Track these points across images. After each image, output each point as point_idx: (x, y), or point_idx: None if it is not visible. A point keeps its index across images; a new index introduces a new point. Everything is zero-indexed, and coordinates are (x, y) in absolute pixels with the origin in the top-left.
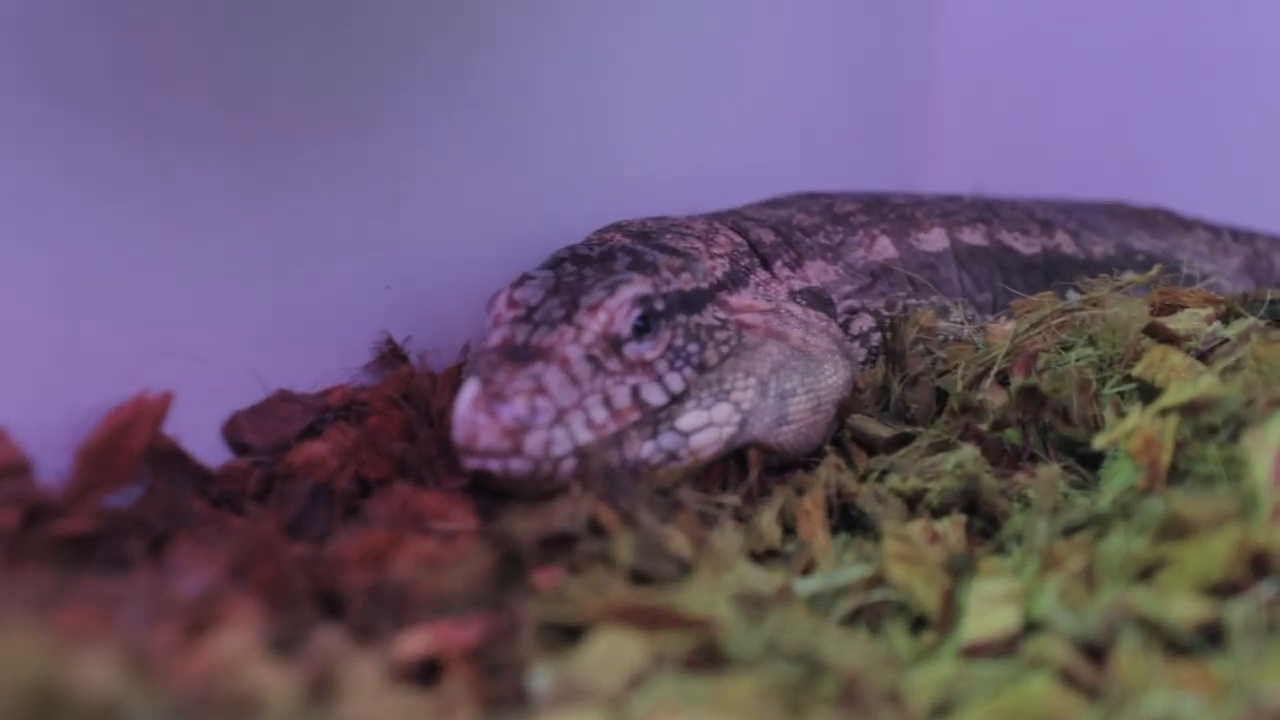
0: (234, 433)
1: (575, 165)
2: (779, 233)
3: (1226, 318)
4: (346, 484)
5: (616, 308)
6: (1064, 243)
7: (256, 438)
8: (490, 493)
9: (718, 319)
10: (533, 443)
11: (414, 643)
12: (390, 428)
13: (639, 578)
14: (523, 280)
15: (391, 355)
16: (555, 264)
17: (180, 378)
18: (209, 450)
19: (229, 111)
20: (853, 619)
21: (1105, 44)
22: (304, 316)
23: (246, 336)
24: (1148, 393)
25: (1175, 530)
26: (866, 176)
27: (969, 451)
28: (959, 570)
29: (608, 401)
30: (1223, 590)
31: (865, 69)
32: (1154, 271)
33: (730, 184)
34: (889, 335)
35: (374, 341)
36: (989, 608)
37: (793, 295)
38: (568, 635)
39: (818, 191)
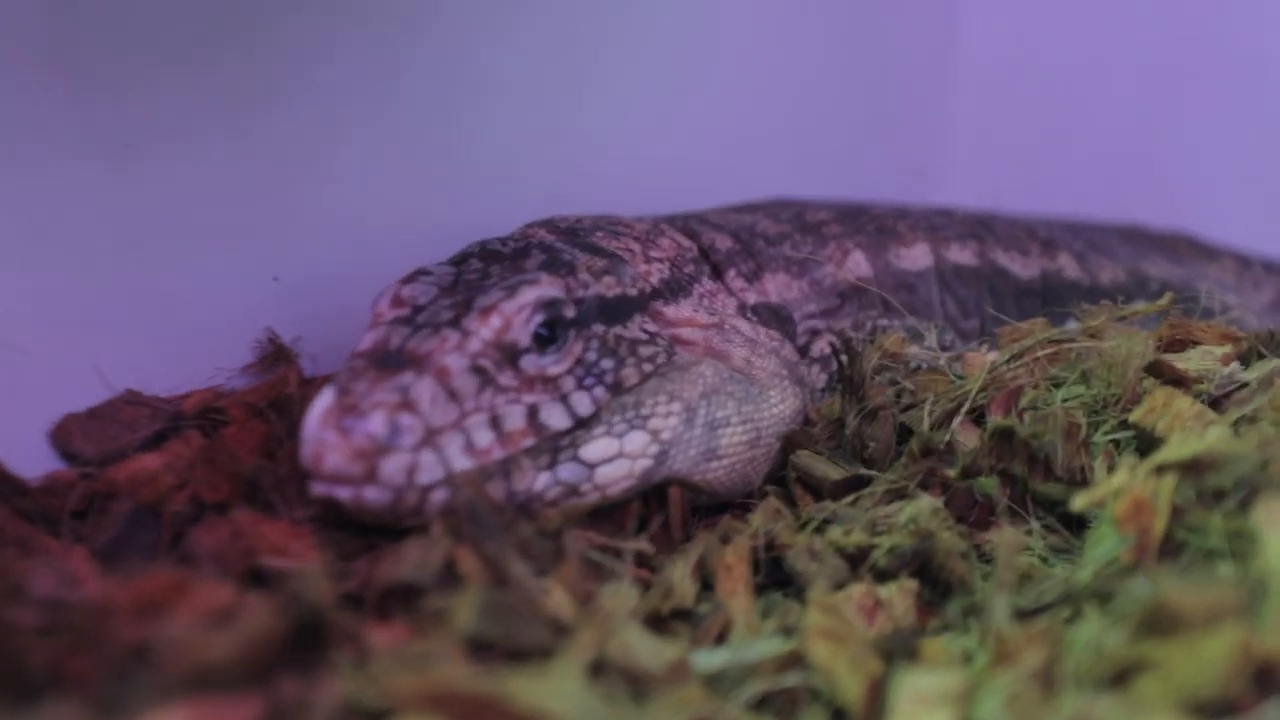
0: (63, 439)
1: (522, 153)
2: (738, 240)
3: (1247, 358)
4: (183, 506)
5: (514, 312)
6: (1067, 266)
7: (89, 445)
8: (357, 526)
9: (645, 332)
10: (391, 468)
11: None
12: (248, 441)
13: (484, 647)
14: (415, 275)
15: (276, 356)
16: (461, 259)
17: None
18: (35, 458)
19: (69, 60)
20: (759, 706)
21: (1131, 53)
22: (168, 307)
23: (87, 327)
24: (1147, 443)
25: (1162, 623)
26: (873, 188)
27: (927, 503)
28: (894, 653)
29: (496, 422)
30: (1215, 709)
31: (877, 70)
32: (1164, 300)
33: (712, 185)
34: (845, 360)
35: (255, 340)
36: (920, 709)
37: (744, 310)
38: None
39: (791, 198)
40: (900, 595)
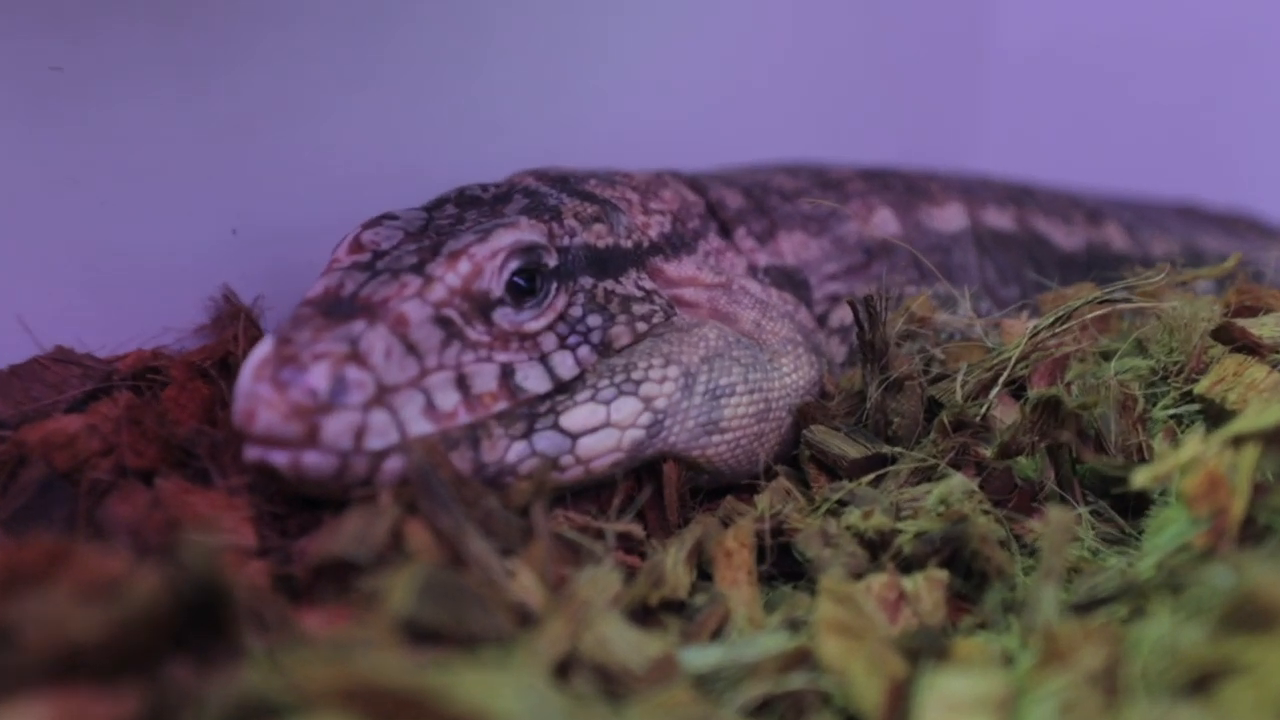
0: None
1: (518, 106)
2: (750, 196)
3: None
4: (106, 474)
5: (486, 257)
6: (1115, 237)
7: (7, 406)
8: (302, 499)
9: (641, 289)
10: (334, 429)
11: (18, 717)
12: (189, 404)
13: (430, 637)
14: (380, 219)
15: (232, 315)
16: (435, 204)
17: None
18: None
19: None
20: (759, 712)
21: (1184, 24)
22: (108, 257)
23: (10, 273)
24: (1215, 416)
25: (1250, 618)
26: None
27: (959, 482)
28: (920, 652)
29: (462, 382)
30: None
31: (909, 35)
32: (1230, 262)
33: (727, 153)
34: (866, 324)
35: (210, 298)
36: (953, 716)
37: (754, 271)
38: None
39: (810, 160)
40: (928, 587)
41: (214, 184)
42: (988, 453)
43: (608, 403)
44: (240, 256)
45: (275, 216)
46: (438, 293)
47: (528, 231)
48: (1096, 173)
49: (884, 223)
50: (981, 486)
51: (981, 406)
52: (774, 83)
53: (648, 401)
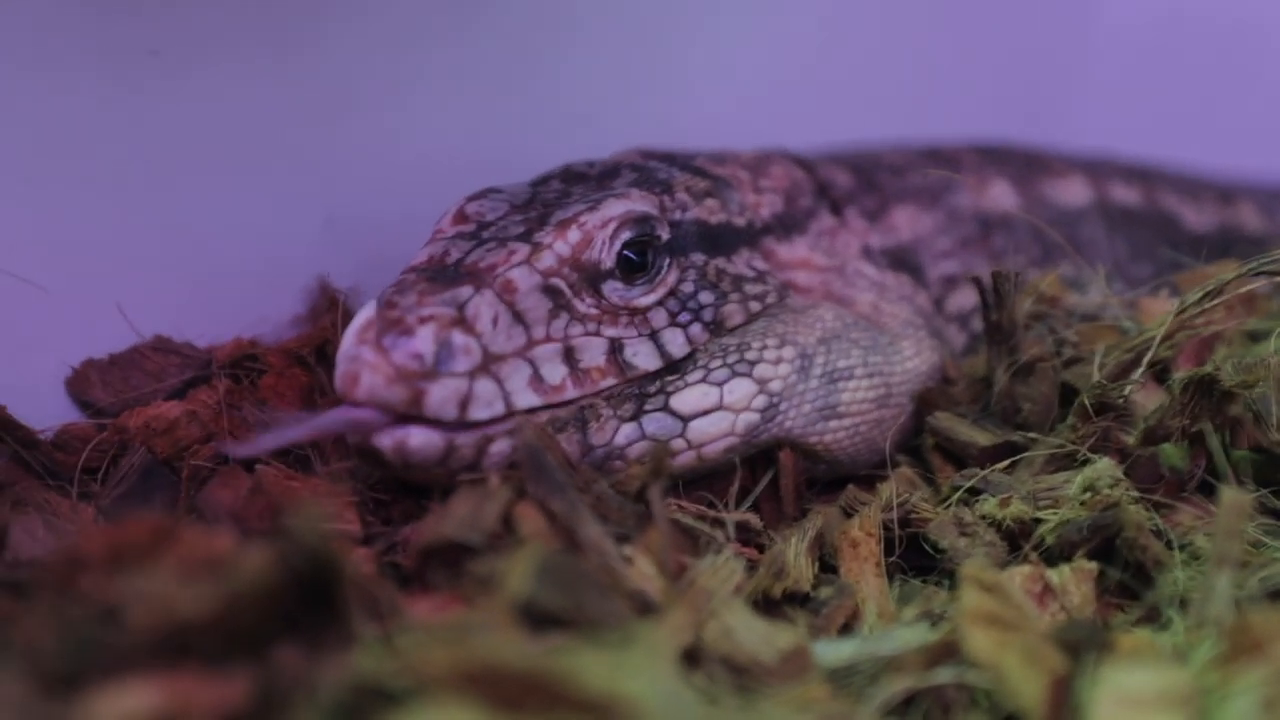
0: (80, 386)
1: (611, 94)
2: (859, 173)
3: None
4: (207, 461)
5: (596, 226)
6: (1250, 218)
7: (108, 395)
8: (406, 485)
9: (753, 269)
10: (439, 395)
11: (122, 702)
12: (287, 391)
13: (545, 622)
14: (484, 192)
15: (328, 305)
16: (540, 180)
17: (6, 307)
18: (50, 406)
19: None
20: (903, 711)
21: None
22: (204, 246)
23: (112, 263)
24: None
25: None
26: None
27: (1106, 466)
28: (1081, 646)
29: (569, 355)
30: None
31: (1007, 10)
32: None
33: (822, 132)
34: (992, 305)
35: (305, 287)
36: (1133, 714)
37: (868, 252)
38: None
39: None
40: (1076, 579)
41: (308, 172)
42: (1130, 439)
43: (720, 384)
44: (333, 246)
45: (368, 205)
46: (546, 260)
47: (639, 202)
48: (1211, 154)
49: (1001, 195)
50: (1126, 474)
51: (1121, 391)
52: (868, 62)
53: (762, 383)
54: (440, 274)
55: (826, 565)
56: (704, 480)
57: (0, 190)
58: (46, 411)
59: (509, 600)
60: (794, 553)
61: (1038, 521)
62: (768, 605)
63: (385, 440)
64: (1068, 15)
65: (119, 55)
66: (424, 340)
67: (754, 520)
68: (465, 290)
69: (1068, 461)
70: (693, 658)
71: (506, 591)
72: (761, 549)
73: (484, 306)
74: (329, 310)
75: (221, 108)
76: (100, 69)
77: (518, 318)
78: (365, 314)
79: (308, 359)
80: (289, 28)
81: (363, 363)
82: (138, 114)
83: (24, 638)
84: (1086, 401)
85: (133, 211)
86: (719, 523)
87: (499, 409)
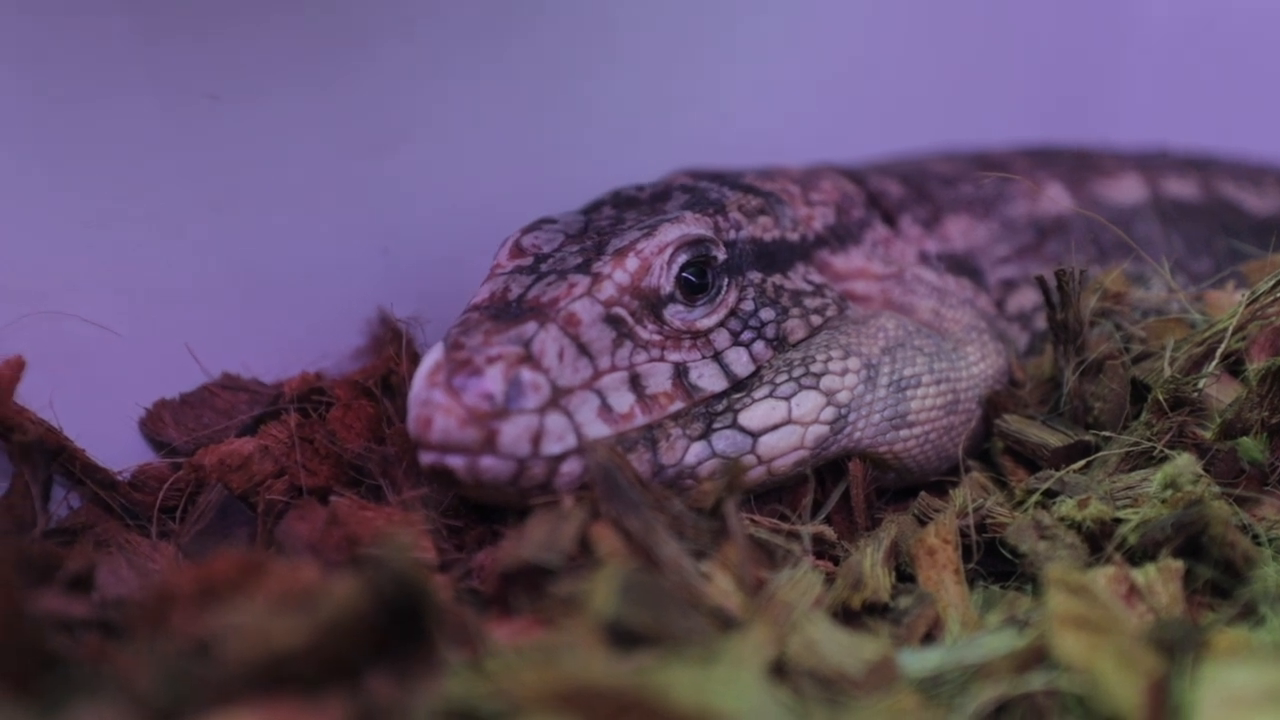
0: (154, 426)
1: (660, 115)
2: (909, 184)
3: None
4: (282, 495)
5: (653, 253)
6: None
7: (181, 434)
8: (478, 509)
9: (810, 283)
10: (511, 434)
11: None
12: (355, 424)
13: (627, 640)
14: (538, 223)
15: (391, 336)
16: (592, 207)
17: (82, 352)
18: (125, 447)
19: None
20: (995, 718)
21: None
22: (265, 283)
23: (179, 304)
24: None
25: None
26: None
27: (1187, 462)
28: (1177, 646)
29: (636, 383)
30: None
31: (1045, 8)
32: None
33: (866, 143)
34: (1057, 304)
35: (365, 319)
36: (1242, 714)
37: (925, 258)
38: None
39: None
40: (1163, 579)
41: (362, 204)
42: (1207, 434)
43: (788, 398)
44: (390, 277)
45: (423, 235)
46: (607, 291)
47: (694, 225)
48: (1258, 143)
49: (1055, 199)
50: (1204, 470)
51: (1195, 385)
52: (907, 68)
53: (830, 395)
54: (504, 311)
55: (903, 574)
56: (774, 493)
57: (70, 237)
58: (122, 453)
59: (594, 620)
60: (870, 563)
61: (1118, 521)
62: (847, 617)
63: (458, 462)
64: (1107, 12)
65: (180, 101)
66: (493, 380)
67: (828, 532)
68: (530, 327)
69: (1143, 460)
70: (778, 672)
71: (591, 612)
72: (836, 561)
73: (549, 342)
74: (391, 341)
75: (278, 145)
76: (163, 115)
77: (583, 350)
78: (433, 356)
79: (374, 390)
80: (341, 64)
81: (435, 406)
82: (198, 157)
83: (121, 675)
84: (1160, 397)
85: (196, 252)
86: (794, 535)
87: (570, 442)
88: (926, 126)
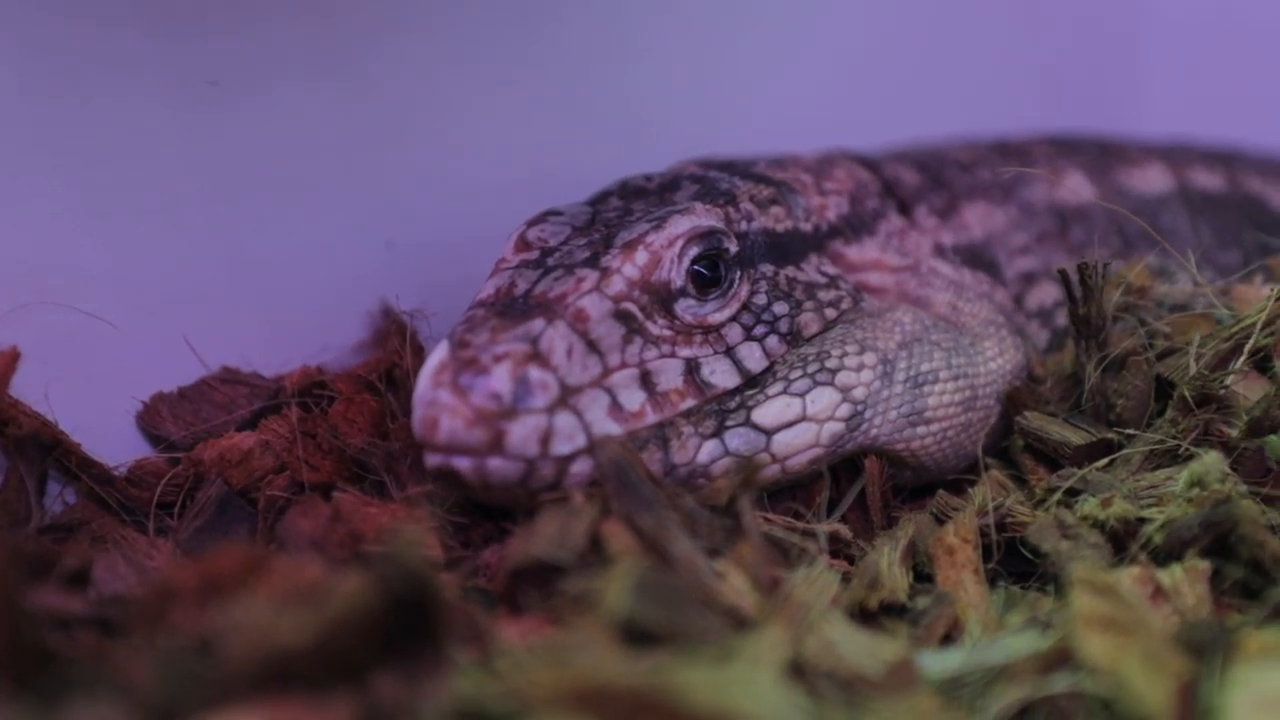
0: (151, 420)
1: (671, 109)
2: (925, 171)
3: None
4: (282, 491)
5: (663, 246)
6: None
7: (179, 428)
8: (484, 508)
9: (824, 274)
10: (519, 434)
11: None
12: (358, 418)
13: (640, 639)
14: (544, 216)
15: (391, 330)
16: (598, 198)
17: (78, 344)
18: (122, 440)
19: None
20: None
21: None
22: (267, 275)
23: (177, 296)
24: None
25: None
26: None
27: (1214, 460)
28: (1206, 648)
29: (647, 380)
30: None
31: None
32: None
33: (878, 135)
34: (1078, 298)
35: (368, 312)
36: (1272, 716)
37: (941, 251)
38: None
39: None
40: (1189, 579)
41: (366, 196)
42: (1233, 432)
43: (802, 394)
44: (394, 269)
45: (427, 227)
46: (616, 285)
47: (704, 217)
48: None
49: (1076, 187)
50: (1231, 468)
51: (1221, 382)
52: (924, 60)
53: (845, 391)
54: (510, 308)
55: (920, 574)
56: (788, 490)
57: (67, 227)
58: (119, 447)
59: (607, 619)
60: (887, 562)
61: (1143, 521)
62: (864, 617)
63: (465, 464)
64: (1126, 3)
65: (179, 88)
66: (500, 379)
67: (844, 531)
68: (537, 323)
69: (1167, 458)
70: (795, 672)
71: (604, 610)
72: (852, 560)
73: (557, 339)
74: (395, 334)
75: (279, 135)
76: (161, 102)
77: (591, 347)
78: (439, 355)
79: (377, 384)
80: (343, 53)
81: (441, 406)
82: (197, 145)
83: (121, 673)
84: (1186, 394)
85: (194, 243)
86: (809, 534)
87: (580, 442)
88: (943, 117)
